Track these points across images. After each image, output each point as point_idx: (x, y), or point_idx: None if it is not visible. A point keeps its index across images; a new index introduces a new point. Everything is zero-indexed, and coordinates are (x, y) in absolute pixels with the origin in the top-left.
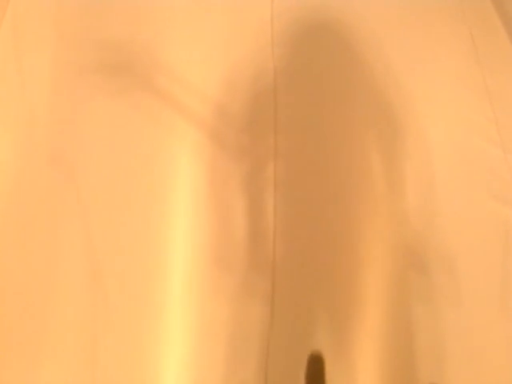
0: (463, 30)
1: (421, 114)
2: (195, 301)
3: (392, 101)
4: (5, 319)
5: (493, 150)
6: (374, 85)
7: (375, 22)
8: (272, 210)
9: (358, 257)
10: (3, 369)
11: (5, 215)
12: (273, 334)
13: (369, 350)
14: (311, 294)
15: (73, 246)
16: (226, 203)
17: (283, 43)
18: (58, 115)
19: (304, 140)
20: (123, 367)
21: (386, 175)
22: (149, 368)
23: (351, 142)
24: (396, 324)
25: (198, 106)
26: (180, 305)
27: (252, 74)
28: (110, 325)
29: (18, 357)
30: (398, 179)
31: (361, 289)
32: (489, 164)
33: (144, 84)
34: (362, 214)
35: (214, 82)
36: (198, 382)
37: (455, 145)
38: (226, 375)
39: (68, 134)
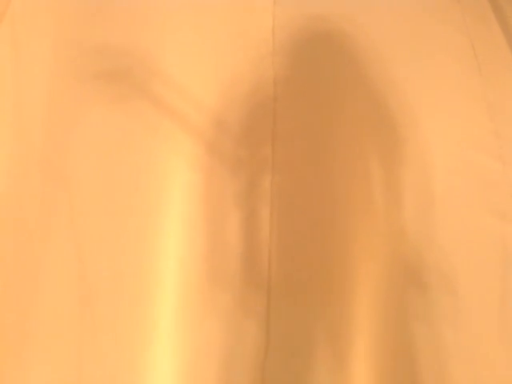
0: (465, 40)
1: (421, 125)
2: (188, 319)
3: (392, 111)
4: None
5: (492, 163)
6: (374, 95)
7: (376, 32)
8: (268, 223)
9: (355, 274)
10: None
11: None
12: (268, 354)
13: (368, 371)
14: (308, 312)
15: (63, 256)
16: (221, 216)
17: (284, 53)
18: (53, 122)
19: (302, 152)
20: None
21: (385, 189)
22: None
23: (350, 153)
24: (395, 343)
25: (196, 115)
26: (172, 323)
27: (251, 84)
28: (98, 342)
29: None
30: (396, 193)
31: (359, 307)
32: (488, 177)
33: (141, 92)
34: (360, 230)
35: (212, 91)
36: None
37: (454, 157)
38: None
39: (62, 141)
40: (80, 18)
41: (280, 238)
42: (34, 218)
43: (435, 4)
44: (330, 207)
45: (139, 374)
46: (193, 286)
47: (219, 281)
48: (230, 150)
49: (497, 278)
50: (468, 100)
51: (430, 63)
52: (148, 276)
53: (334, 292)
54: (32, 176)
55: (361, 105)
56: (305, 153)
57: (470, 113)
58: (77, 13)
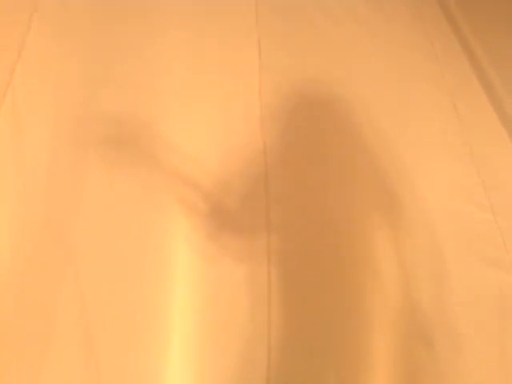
0: (445, 98)
1: (416, 183)
2: (191, 378)
3: (386, 172)
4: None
5: (483, 215)
6: (366, 157)
7: (364, 95)
8: (266, 287)
9: (364, 332)
10: None
11: (2, 290)
12: None
13: None
14: (316, 369)
15: (68, 325)
16: (221, 280)
17: (272, 117)
18: (57, 189)
19: (298, 218)
20: None
21: (386, 247)
22: None
23: (348, 218)
24: None
25: (196, 178)
26: (175, 378)
27: (243, 152)
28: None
29: None
30: (399, 253)
31: (369, 361)
32: (480, 228)
33: (144, 158)
34: (366, 290)
35: (211, 155)
36: None
37: (448, 212)
38: None
39: (66, 208)
40: (81, 85)
41: (279, 298)
42: (39, 286)
43: (413, 62)
44: (330, 267)
45: None
46: (195, 352)
47: (222, 345)
48: (229, 215)
49: (496, 327)
50: (453, 155)
51: (415, 121)
52: (150, 343)
53: (342, 350)
54: (37, 244)
55: (354, 167)
56: (301, 218)
57: (457, 167)
58: (78, 80)
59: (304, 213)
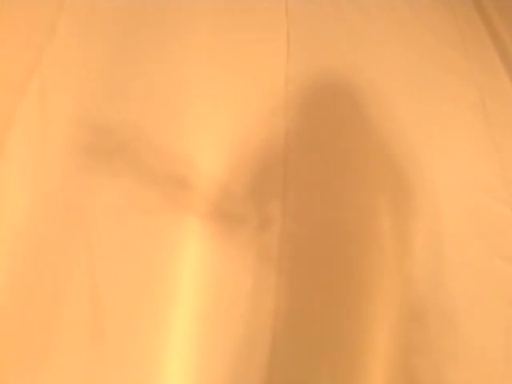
0: (472, 90)
1: (429, 173)
2: (194, 358)
3: (402, 161)
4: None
5: (501, 209)
6: (384, 146)
7: (386, 84)
8: (275, 268)
9: (361, 313)
10: None
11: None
12: None
13: None
14: (312, 349)
15: (78, 316)
16: (230, 283)
17: (296, 106)
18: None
19: (313, 206)
20: None
21: (395, 234)
22: None
23: (361, 205)
24: (396, 377)
25: (197, 180)
26: (178, 362)
27: (262, 137)
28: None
29: None
30: (406, 239)
31: (363, 344)
32: (496, 223)
33: (136, 167)
34: (369, 273)
35: (220, 148)
36: None
37: (463, 203)
38: None
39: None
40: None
41: (288, 277)
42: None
43: (442, 55)
44: (339, 250)
45: None
46: (199, 330)
47: (224, 325)
48: (237, 210)
49: (502, 319)
50: (476, 148)
51: (437, 112)
52: (155, 319)
53: (340, 328)
54: (52, 221)
55: (371, 156)
56: (316, 207)
57: (479, 160)
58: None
59: (319, 202)
